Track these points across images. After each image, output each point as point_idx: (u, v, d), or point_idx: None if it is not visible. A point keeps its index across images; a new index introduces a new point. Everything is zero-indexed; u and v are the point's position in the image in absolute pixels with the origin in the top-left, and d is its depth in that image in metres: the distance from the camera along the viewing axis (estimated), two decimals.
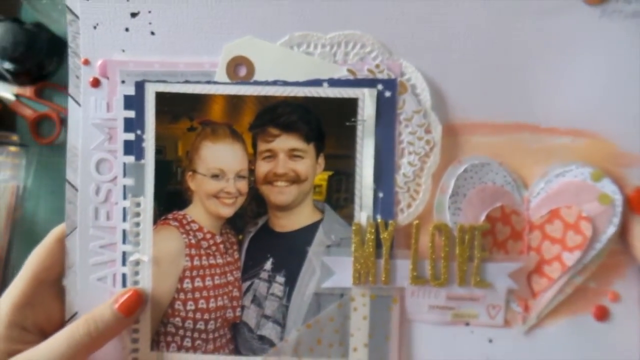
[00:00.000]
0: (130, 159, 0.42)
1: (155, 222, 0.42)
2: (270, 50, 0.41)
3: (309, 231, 0.42)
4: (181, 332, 0.42)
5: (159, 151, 0.42)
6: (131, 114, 0.42)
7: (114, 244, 0.43)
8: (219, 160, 0.42)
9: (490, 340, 0.43)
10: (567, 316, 0.43)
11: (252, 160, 0.42)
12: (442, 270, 0.41)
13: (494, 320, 0.43)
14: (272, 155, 0.42)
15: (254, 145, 0.42)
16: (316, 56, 0.42)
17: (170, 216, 0.42)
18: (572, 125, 0.42)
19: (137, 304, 0.40)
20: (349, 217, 0.42)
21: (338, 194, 0.42)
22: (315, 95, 0.41)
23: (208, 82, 0.41)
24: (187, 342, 0.42)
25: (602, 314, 0.43)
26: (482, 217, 0.41)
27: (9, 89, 0.63)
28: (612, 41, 0.41)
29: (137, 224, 0.42)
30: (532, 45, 0.42)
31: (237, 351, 0.43)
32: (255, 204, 0.42)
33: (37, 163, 0.64)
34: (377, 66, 0.41)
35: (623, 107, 0.41)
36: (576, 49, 0.42)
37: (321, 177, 0.42)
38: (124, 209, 0.42)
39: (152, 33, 0.42)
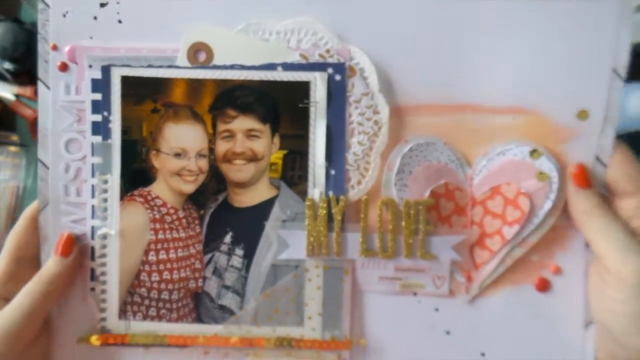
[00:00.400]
0: (98, 139, 0.45)
1: (121, 198, 0.45)
2: (228, 36, 0.44)
3: (266, 206, 0.45)
4: (146, 301, 0.45)
5: (124, 132, 0.44)
6: (98, 96, 0.44)
7: (84, 218, 0.45)
8: (181, 140, 0.44)
9: (437, 309, 0.46)
10: (509, 287, 0.45)
11: (212, 139, 0.44)
12: (390, 243, 0.44)
13: (440, 290, 0.45)
14: (230, 135, 0.44)
15: (214, 126, 0.44)
16: (271, 42, 0.44)
17: (136, 192, 0.45)
18: (511, 103, 0.44)
19: (70, 243, 0.43)
20: (303, 194, 0.44)
21: (293, 171, 0.44)
22: (271, 78, 0.44)
23: (170, 67, 0.44)
24: (152, 312, 0.45)
25: (544, 286, 0.45)
26: (427, 193, 0.44)
27: (9, 89, 0.63)
28: (545, 20, 0.44)
29: (105, 200, 0.45)
30: (472, 27, 0.44)
31: (199, 319, 0.45)
32: (216, 181, 0.45)
33: (37, 163, 0.65)
34: (328, 51, 0.43)
35: (556, 83, 0.44)
36: (512, 29, 0.44)
37: (277, 156, 0.45)
38: (93, 186, 0.45)
39: (120, 22, 0.44)
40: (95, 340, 0.45)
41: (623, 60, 0.43)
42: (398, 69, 0.44)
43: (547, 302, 0.45)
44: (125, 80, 0.44)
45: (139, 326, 0.45)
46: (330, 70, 0.43)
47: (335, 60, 0.43)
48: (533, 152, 0.44)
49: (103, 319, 0.45)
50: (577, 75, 0.44)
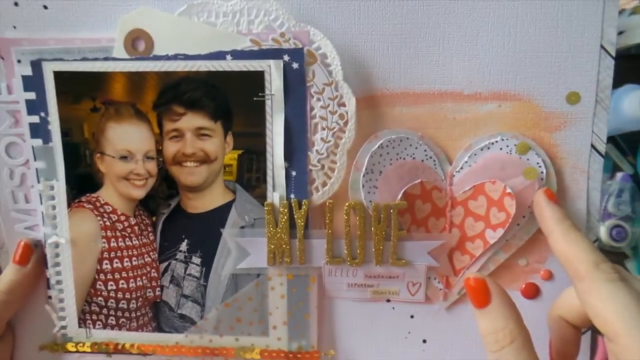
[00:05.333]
0: (38, 142, 0.37)
1: (69, 205, 0.37)
2: (168, 21, 0.34)
3: (222, 212, 0.36)
4: (105, 311, 0.38)
5: (65, 133, 0.36)
6: (32, 95, 0.36)
7: (37, 225, 0.38)
8: (126, 141, 0.36)
9: (412, 316, 0.38)
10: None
11: (160, 140, 0.36)
12: (359, 250, 0.36)
13: (415, 296, 0.37)
14: (179, 135, 0.36)
15: (160, 125, 0.36)
16: (218, 26, 0.34)
17: (83, 199, 0.37)
18: (496, 89, 0.34)
19: (28, 251, 0.37)
20: (261, 197, 0.36)
21: (249, 173, 0.36)
22: (219, 69, 0.34)
23: (106, 59, 0.35)
24: (112, 320, 0.39)
25: (532, 292, 0.37)
26: (400, 195, 0.35)
27: None
28: (519, 4, 0.33)
29: (53, 207, 0.37)
30: (450, 5, 0.34)
31: (159, 329, 0.39)
32: (166, 185, 0.37)
33: None
34: (282, 35, 0.34)
35: (543, 64, 0.33)
36: (493, 7, 0.33)
37: (231, 157, 0.36)
38: (40, 192, 0.37)
39: (45, 7, 0.35)
40: (56, 347, 0.39)
41: (611, 36, 0.33)
42: (366, 53, 0.34)
43: (535, 309, 0.37)
44: (59, 76, 0.35)
45: (100, 334, 0.39)
46: (286, 58, 0.34)
47: (292, 45, 0.34)
48: (520, 146, 0.34)
49: (63, 327, 0.39)
50: (564, 54, 0.33)
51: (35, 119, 0.36)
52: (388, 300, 0.37)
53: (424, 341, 0.38)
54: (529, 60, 0.34)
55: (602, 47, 0.33)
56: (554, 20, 0.33)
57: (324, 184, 0.35)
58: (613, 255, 0.36)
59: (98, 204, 0.37)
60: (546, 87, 0.34)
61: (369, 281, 0.37)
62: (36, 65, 0.35)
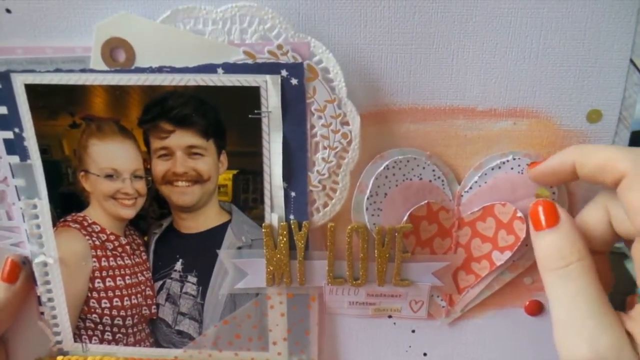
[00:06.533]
0: (15, 159, 0.33)
1: (54, 224, 0.34)
2: (150, 28, 0.30)
3: (217, 233, 0.34)
4: (100, 327, 0.37)
5: (44, 150, 0.33)
6: (3, 110, 0.32)
7: (21, 242, 0.36)
8: (110, 159, 0.33)
9: (413, 331, 0.37)
10: (494, 309, 0.36)
11: (147, 158, 0.33)
12: (361, 271, 0.34)
13: (417, 313, 0.36)
14: (168, 153, 0.32)
15: (147, 142, 0.32)
16: (207, 35, 0.30)
17: (69, 218, 0.34)
18: (512, 106, 0.31)
19: (15, 269, 0.35)
20: (259, 218, 0.33)
21: (246, 194, 0.33)
22: (210, 83, 0.30)
23: (83, 71, 0.30)
24: (108, 336, 0.37)
25: (536, 309, 0.35)
26: (405, 218, 0.33)
27: None
28: (550, 6, 0.29)
29: (38, 226, 0.34)
30: (464, 14, 0.29)
31: (157, 344, 0.37)
32: (157, 205, 0.34)
33: None
34: (280, 47, 0.29)
35: (564, 80, 0.30)
36: (511, 17, 0.29)
37: (225, 177, 0.33)
38: (22, 210, 0.34)
39: (8, 11, 0.30)
40: None
41: None
42: (372, 65, 0.31)
43: (539, 326, 0.36)
44: (31, 89, 0.31)
45: (97, 348, 0.38)
46: (284, 73, 0.30)
47: (290, 59, 0.30)
48: (533, 166, 0.32)
49: (59, 342, 0.38)
50: (590, 68, 0.30)
51: (8, 134, 0.32)
52: (389, 317, 0.36)
53: (425, 354, 0.37)
54: (551, 75, 0.30)
55: (631, 62, 0.29)
56: (581, 31, 0.29)
57: (325, 205, 0.33)
58: (613, 255, 0.34)
59: (85, 224, 0.34)
60: (567, 104, 0.31)
61: (370, 299, 0.35)
62: (4, 77, 0.30)
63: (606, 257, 0.29)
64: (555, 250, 0.26)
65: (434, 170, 0.32)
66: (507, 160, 0.32)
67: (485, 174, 0.32)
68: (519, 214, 0.31)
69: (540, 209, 0.27)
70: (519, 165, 0.32)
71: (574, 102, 0.31)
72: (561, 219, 0.27)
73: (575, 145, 0.29)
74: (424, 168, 0.32)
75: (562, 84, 0.30)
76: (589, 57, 0.29)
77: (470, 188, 0.32)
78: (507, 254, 0.32)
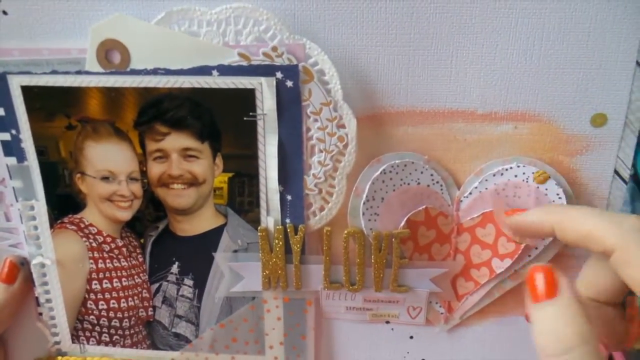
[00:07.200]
0: (13, 160, 0.33)
1: (52, 225, 0.34)
2: (145, 30, 0.29)
3: (213, 236, 0.33)
4: (97, 328, 0.36)
5: (40, 152, 0.32)
6: (1, 111, 0.32)
7: (20, 243, 0.36)
8: (106, 161, 0.32)
9: (411, 337, 0.36)
10: (494, 317, 0.35)
11: (143, 160, 0.32)
12: (358, 277, 0.33)
13: (415, 320, 0.35)
14: (163, 155, 0.32)
15: (142, 144, 0.32)
16: (202, 37, 0.29)
17: (66, 220, 0.34)
18: (513, 109, 0.30)
19: (14, 269, 0.34)
20: (255, 222, 0.33)
21: (241, 197, 0.33)
22: (205, 85, 0.30)
23: (79, 73, 0.30)
24: (105, 337, 0.37)
25: None
26: (402, 223, 0.32)
27: None
28: (553, 6, 0.28)
29: (35, 228, 0.34)
30: (464, 14, 0.28)
31: (154, 346, 0.37)
32: (153, 207, 0.33)
33: None
34: (275, 49, 0.29)
35: (567, 82, 0.29)
36: (513, 17, 0.28)
37: (221, 179, 0.32)
38: (19, 211, 0.34)
39: (4, 12, 0.30)
40: None
41: None
42: (369, 67, 0.30)
43: None
44: (28, 90, 0.31)
45: (94, 349, 0.38)
46: (279, 75, 0.29)
47: (285, 61, 0.29)
48: (539, 175, 0.30)
49: (57, 342, 0.38)
50: (594, 71, 0.28)
51: (6, 136, 0.32)
52: (387, 322, 0.35)
53: None
54: (553, 77, 0.29)
55: (638, 64, 0.28)
56: (586, 32, 0.28)
57: (322, 209, 0.32)
58: None
59: (82, 225, 0.34)
60: (570, 107, 0.30)
61: (367, 305, 0.34)
62: (0, 78, 0.30)
63: (619, 307, 0.26)
64: (550, 333, 0.22)
65: (432, 175, 0.31)
66: (511, 167, 0.31)
67: (486, 180, 0.31)
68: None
69: (533, 279, 0.23)
70: (523, 173, 0.30)
71: (578, 106, 0.29)
72: (560, 292, 0.23)
73: (553, 206, 0.26)
74: (421, 172, 0.31)
75: (565, 87, 0.29)
76: (594, 59, 0.28)
77: (470, 193, 0.31)
78: (507, 262, 0.31)
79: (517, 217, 0.28)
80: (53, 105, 0.31)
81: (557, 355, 0.22)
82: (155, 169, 0.32)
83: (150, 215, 0.33)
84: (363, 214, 0.31)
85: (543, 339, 0.22)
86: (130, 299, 0.35)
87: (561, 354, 0.21)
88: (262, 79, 0.29)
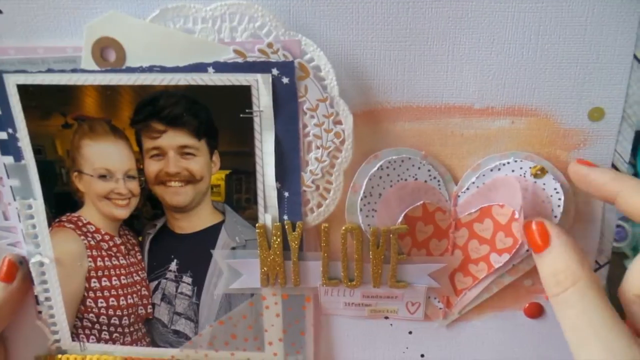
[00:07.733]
0: (10, 159, 0.33)
1: (50, 224, 0.34)
2: (140, 28, 0.29)
3: (211, 233, 0.33)
4: (97, 326, 0.36)
5: (37, 151, 0.32)
6: None
7: (18, 242, 0.36)
8: (103, 159, 0.32)
9: (410, 332, 0.36)
10: (493, 311, 0.35)
11: (140, 158, 0.32)
12: (356, 272, 0.33)
13: (414, 315, 0.35)
14: (160, 153, 0.32)
15: (139, 142, 0.32)
16: (197, 34, 0.29)
17: (64, 218, 0.34)
18: (510, 103, 0.30)
19: (12, 268, 0.34)
20: (252, 219, 0.32)
21: (239, 194, 0.32)
22: (200, 83, 0.29)
23: (74, 71, 0.30)
24: (105, 335, 0.37)
25: (536, 311, 0.34)
26: (400, 219, 0.32)
27: None
28: (543, 6, 0.28)
29: (33, 226, 0.34)
30: (457, 10, 0.28)
31: (154, 343, 0.37)
32: (151, 205, 0.33)
33: None
34: (270, 45, 0.29)
35: (564, 76, 0.29)
36: (509, 12, 0.28)
37: (218, 177, 0.32)
38: (17, 210, 0.34)
39: None
40: (51, 359, 0.38)
41: None
42: (365, 63, 0.29)
43: (539, 329, 0.35)
44: (23, 89, 0.30)
45: (94, 347, 0.37)
46: (275, 71, 0.29)
47: (281, 57, 0.29)
48: (537, 170, 0.30)
49: (57, 340, 0.38)
50: (591, 65, 0.28)
51: (2, 135, 0.32)
52: (386, 317, 0.35)
53: (422, 356, 0.36)
54: (550, 72, 0.29)
55: (635, 57, 0.28)
56: (582, 26, 0.28)
57: (319, 205, 0.32)
58: (613, 255, 0.33)
59: (80, 224, 0.33)
60: (567, 101, 0.29)
61: (366, 300, 0.34)
62: None
63: None
64: (550, 276, 0.25)
65: (429, 170, 0.31)
66: (508, 162, 0.30)
67: (484, 175, 0.31)
68: (517, 216, 0.30)
69: (529, 233, 0.27)
70: (520, 168, 0.30)
71: (575, 100, 0.29)
72: (551, 241, 0.25)
73: (625, 175, 0.26)
74: (419, 168, 0.31)
75: (562, 81, 0.29)
76: (591, 53, 0.28)
77: (468, 189, 0.31)
78: (506, 257, 0.31)
79: (585, 169, 0.28)
80: (49, 104, 0.31)
81: (556, 295, 0.24)
82: (153, 167, 0.32)
83: (148, 213, 0.33)
84: (361, 210, 0.31)
85: (545, 285, 0.25)
86: (129, 296, 0.35)
87: (560, 293, 0.24)
88: (258, 76, 0.29)
